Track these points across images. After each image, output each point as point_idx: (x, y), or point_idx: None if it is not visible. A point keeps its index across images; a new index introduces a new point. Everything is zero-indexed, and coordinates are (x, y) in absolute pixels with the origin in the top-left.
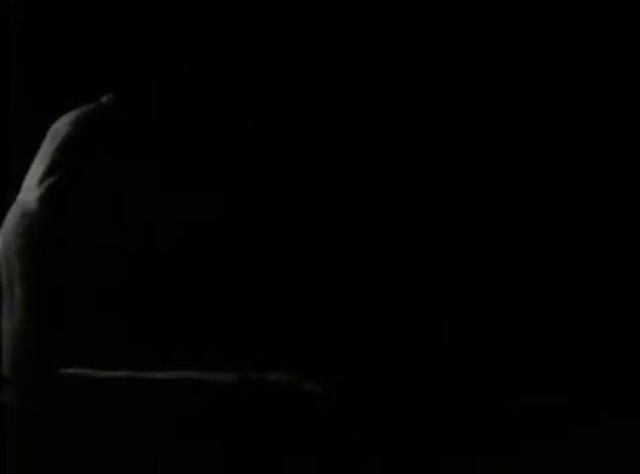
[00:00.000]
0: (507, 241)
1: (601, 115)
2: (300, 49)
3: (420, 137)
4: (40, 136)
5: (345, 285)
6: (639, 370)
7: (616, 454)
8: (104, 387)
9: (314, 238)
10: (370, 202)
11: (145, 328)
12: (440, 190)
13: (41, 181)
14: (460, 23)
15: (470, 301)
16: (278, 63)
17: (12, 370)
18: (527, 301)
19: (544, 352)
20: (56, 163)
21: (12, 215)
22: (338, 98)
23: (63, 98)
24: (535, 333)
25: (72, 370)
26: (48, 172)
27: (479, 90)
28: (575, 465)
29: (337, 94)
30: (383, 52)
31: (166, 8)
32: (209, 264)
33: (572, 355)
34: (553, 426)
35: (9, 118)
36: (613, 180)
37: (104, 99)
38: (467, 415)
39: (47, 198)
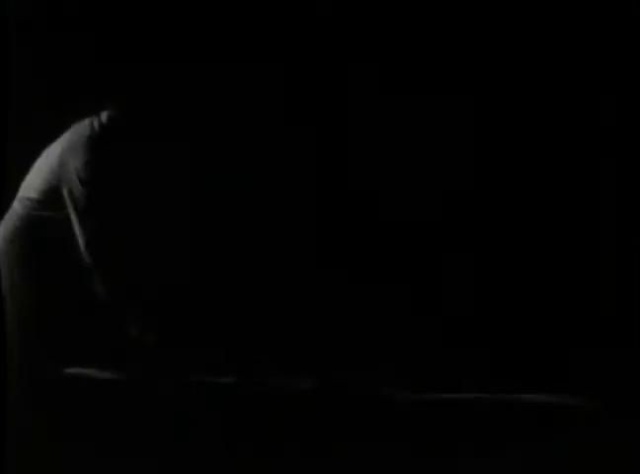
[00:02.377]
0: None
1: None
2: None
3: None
4: (40, 135)
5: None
6: (639, 370)
7: (616, 454)
8: (104, 388)
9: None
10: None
11: (147, 329)
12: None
13: (39, 189)
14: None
15: (470, 301)
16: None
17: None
18: (527, 302)
19: (544, 352)
20: (55, 174)
21: (8, 223)
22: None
23: (63, 97)
24: (535, 333)
25: (72, 370)
26: (46, 182)
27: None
28: (575, 465)
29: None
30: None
31: (163, 5)
32: (211, 264)
33: (572, 356)
34: (553, 426)
35: (9, 119)
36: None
37: (95, 122)
38: (468, 414)
39: (45, 205)
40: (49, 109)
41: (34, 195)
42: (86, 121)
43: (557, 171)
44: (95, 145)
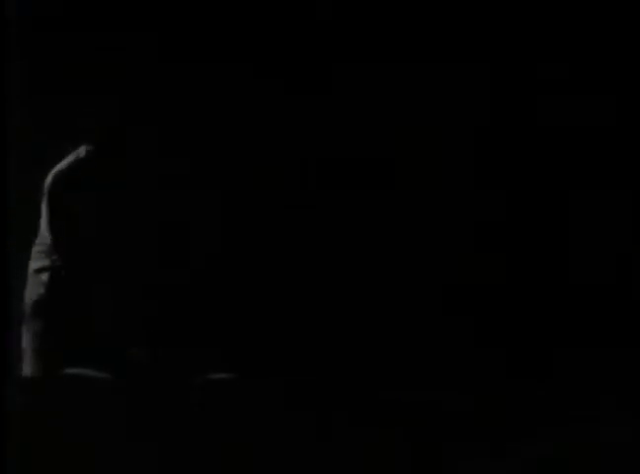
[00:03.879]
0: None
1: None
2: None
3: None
4: (40, 134)
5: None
6: (638, 371)
7: (616, 454)
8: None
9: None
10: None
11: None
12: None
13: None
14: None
15: (470, 303)
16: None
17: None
18: (527, 301)
19: (544, 352)
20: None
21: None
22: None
23: (62, 98)
24: (535, 333)
25: (72, 371)
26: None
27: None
28: (575, 465)
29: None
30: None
31: (164, 10)
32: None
33: (572, 356)
34: (553, 426)
35: (7, 118)
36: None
37: (71, 160)
38: (467, 414)
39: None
40: (49, 109)
41: (42, 247)
42: (64, 162)
43: (557, 171)
44: (75, 184)
